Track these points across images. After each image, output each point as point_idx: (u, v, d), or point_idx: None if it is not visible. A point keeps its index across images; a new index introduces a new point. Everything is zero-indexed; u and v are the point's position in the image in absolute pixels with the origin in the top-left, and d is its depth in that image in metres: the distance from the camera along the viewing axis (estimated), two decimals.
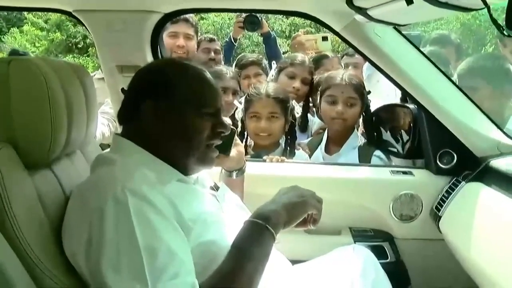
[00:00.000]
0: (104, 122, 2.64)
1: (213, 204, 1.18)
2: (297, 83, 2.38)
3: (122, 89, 1.17)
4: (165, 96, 1.08)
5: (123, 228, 0.87)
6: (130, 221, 0.87)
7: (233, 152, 1.47)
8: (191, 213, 1.00)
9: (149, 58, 1.73)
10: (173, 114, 1.08)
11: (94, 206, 0.90)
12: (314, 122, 2.46)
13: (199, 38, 3.05)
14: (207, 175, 1.35)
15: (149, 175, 1.00)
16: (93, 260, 0.87)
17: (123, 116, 1.15)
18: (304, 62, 2.42)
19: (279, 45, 3.48)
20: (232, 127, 1.37)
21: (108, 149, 1.17)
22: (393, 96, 2.60)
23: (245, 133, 2.06)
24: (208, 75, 1.15)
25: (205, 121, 1.11)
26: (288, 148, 2.02)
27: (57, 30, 14.55)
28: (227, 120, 1.24)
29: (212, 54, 3.03)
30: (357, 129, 2.16)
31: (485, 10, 0.91)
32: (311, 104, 2.46)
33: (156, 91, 1.08)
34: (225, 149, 1.38)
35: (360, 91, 1.99)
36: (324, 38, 2.49)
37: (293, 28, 13.73)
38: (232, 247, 0.97)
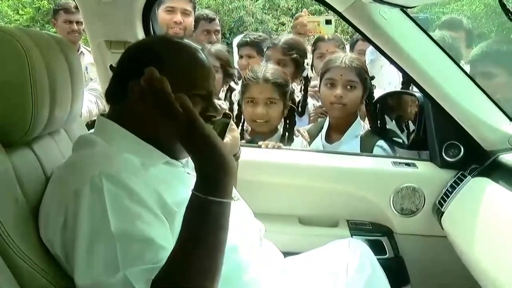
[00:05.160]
0: (92, 99, 2.67)
1: None
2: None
3: (111, 66, 1.18)
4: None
5: (97, 214, 0.89)
6: (104, 207, 0.89)
7: (228, 137, 1.48)
8: (176, 197, 1.01)
9: (140, 34, 1.72)
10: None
11: (70, 190, 0.92)
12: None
13: (197, 15, 3.02)
14: None
15: (131, 160, 1.01)
16: (68, 245, 0.90)
17: (109, 95, 1.15)
18: (276, 44, 2.44)
19: (285, 23, 3.48)
20: (227, 111, 1.38)
21: (92, 130, 1.18)
22: (397, 84, 2.61)
23: (242, 116, 2.07)
24: (201, 54, 1.14)
25: (195, 104, 1.08)
26: (287, 133, 2.03)
27: None
28: (222, 104, 1.25)
29: (213, 36, 3.03)
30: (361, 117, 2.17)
31: None
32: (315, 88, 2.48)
33: (142, 70, 1.09)
34: (219, 134, 1.39)
35: (361, 75, 2.00)
36: (328, 21, 2.45)
37: (300, 5, 13.61)
38: (181, 228, 0.91)
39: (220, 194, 0.91)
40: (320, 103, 2.43)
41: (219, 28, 3.13)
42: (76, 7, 3.13)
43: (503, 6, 0.82)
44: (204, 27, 3.00)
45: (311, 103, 2.53)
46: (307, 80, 2.45)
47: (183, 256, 0.87)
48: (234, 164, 0.95)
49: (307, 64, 2.44)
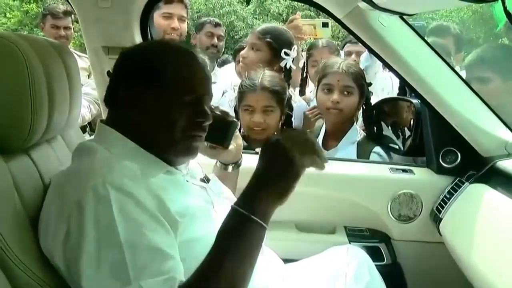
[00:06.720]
0: (85, 103, 2.66)
1: (202, 198, 1.18)
2: None
3: (108, 72, 1.17)
4: (142, 81, 1.07)
5: (103, 223, 0.88)
6: (111, 216, 0.88)
7: (232, 145, 1.47)
8: (178, 206, 1.01)
9: (138, 40, 1.71)
10: (150, 100, 1.06)
11: (73, 199, 0.90)
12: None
13: (203, 20, 3.24)
14: (198, 166, 1.36)
15: (132, 168, 1.00)
16: (72, 256, 0.88)
17: (107, 100, 1.14)
18: (254, 30, 2.44)
19: None
20: (234, 119, 1.37)
21: (91, 137, 1.17)
22: (390, 90, 2.62)
23: (238, 123, 2.06)
24: (196, 59, 1.13)
25: (184, 109, 1.08)
26: None
27: (32, 1, 14.21)
28: (227, 110, 1.24)
29: (215, 40, 3.13)
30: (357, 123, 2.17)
31: None
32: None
33: (134, 76, 1.08)
34: (224, 141, 1.37)
35: (359, 81, 2.00)
36: (324, 24, 2.43)
37: (291, 10, 13.74)
38: (215, 240, 0.91)
39: (263, 219, 0.91)
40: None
41: (223, 34, 3.22)
42: (65, 13, 3.11)
43: (508, 14, 0.82)
44: (208, 30, 3.14)
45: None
46: (288, 71, 2.33)
47: (217, 268, 0.87)
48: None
49: (286, 54, 2.29)
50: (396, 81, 2.57)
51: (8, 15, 13.99)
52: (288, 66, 2.29)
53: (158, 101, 1.06)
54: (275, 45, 2.28)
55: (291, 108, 2.05)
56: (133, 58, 1.12)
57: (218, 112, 1.32)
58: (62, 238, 0.90)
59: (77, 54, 3.10)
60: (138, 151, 1.07)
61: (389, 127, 2.06)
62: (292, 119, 2.11)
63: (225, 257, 0.88)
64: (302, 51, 2.99)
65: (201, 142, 1.16)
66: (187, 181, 1.19)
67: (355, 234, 1.81)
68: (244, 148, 1.96)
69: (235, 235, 0.91)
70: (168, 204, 0.98)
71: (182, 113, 1.07)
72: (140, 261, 0.86)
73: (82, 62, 2.58)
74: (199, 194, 1.18)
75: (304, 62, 2.77)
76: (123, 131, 1.08)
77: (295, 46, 2.31)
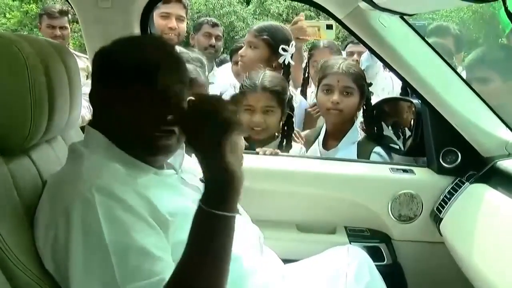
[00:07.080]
0: (84, 104, 2.64)
1: (195, 199, 1.16)
2: None
3: None
4: (107, 81, 1.05)
5: (90, 228, 0.87)
6: (98, 220, 0.87)
7: None
8: (168, 205, 1.00)
9: None
10: (116, 100, 1.03)
11: (61, 204, 0.91)
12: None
13: (201, 20, 3.26)
14: (198, 165, 1.35)
15: (119, 170, 0.99)
16: (61, 260, 0.89)
17: (91, 99, 1.11)
18: (251, 29, 2.43)
19: None
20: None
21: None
22: (391, 90, 2.61)
23: None
24: (161, 48, 1.09)
25: (149, 106, 1.01)
26: (285, 140, 2.02)
27: (31, 1, 14.21)
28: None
29: (213, 40, 3.15)
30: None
31: None
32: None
33: (102, 75, 1.08)
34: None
35: (359, 81, 2.00)
36: (329, 26, 2.44)
37: (291, 11, 13.75)
38: (188, 238, 0.88)
39: (226, 209, 0.87)
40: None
41: (221, 34, 3.23)
42: (60, 12, 3.09)
43: (509, 14, 0.82)
44: (206, 30, 3.16)
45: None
46: (287, 67, 2.31)
47: (189, 268, 0.85)
48: (242, 179, 0.90)
49: (284, 50, 2.27)
50: (397, 81, 2.57)
51: (7, 15, 13.98)
52: (286, 62, 2.29)
53: (123, 99, 1.02)
54: (272, 42, 2.28)
55: (292, 108, 2.05)
56: (100, 57, 1.11)
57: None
58: (51, 243, 0.90)
59: (76, 55, 3.10)
60: (121, 155, 1.04)
61: (390, 127, 2.06)
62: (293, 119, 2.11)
63: (198, 254, 0.87)
64: (304, 51, 3.00)
65: (172, 138, 1.06)
66: (182, 178, 1.18)
67: (355, 234, 1.81)
68: (245, 148, 1.97)
69: (204, 231, 0.88)
70: (157, 204, 0.97)
71: (145, 109, 1.01)
72: (128, 265, 0.85)
73: (81, 62, 2.57)
74: (191, 195, 1.15)
75: (306, 63, 2.77)
76: (107, 132, 1.05)
77: (293, 42, 2.31)
